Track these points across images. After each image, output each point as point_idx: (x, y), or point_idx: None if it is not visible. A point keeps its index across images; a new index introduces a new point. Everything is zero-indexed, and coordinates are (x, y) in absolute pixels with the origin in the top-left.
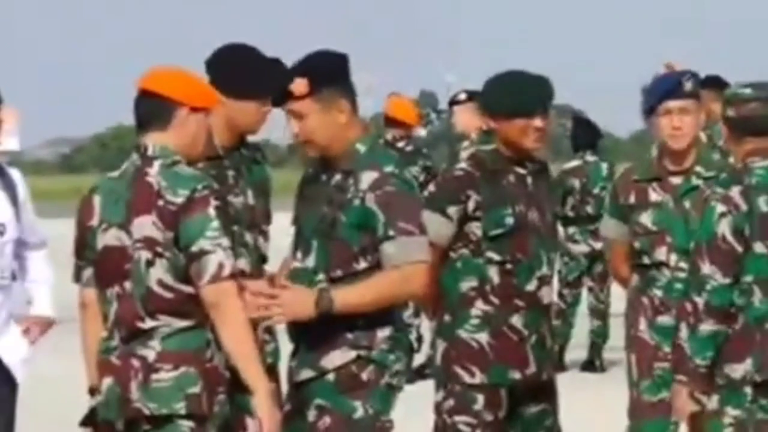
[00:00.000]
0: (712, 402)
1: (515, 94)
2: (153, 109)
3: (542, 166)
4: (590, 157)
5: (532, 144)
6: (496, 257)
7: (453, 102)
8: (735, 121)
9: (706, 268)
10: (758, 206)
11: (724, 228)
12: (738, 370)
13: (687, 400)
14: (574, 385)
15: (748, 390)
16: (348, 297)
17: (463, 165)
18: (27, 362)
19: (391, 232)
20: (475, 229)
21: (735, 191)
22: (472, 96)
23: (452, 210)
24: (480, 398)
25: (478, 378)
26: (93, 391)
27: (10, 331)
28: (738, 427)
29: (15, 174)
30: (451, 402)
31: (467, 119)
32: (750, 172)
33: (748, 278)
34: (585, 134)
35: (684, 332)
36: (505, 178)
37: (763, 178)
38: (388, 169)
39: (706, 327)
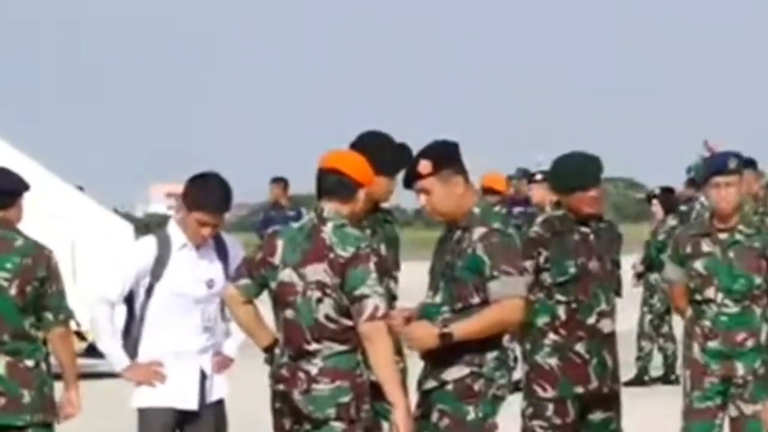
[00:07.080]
0: None
1: (573, 173)
2: (338, 184)
3: (607, 225)
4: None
5: (590, 209)
6: (563, 298)
7: (530, 180)
8: None
9: None
10: None
11: None
12: None
13: None
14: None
15: None
16: (462, 328)
17: (535, 228)
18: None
19: (495, 273)
20: (547, 277)
21: None
22: (546, 176)
23: (527, 264)
24: (550, 407)
25: (550, 393)
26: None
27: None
28: None
29: (227, 238)
30: (530, 410)
31: (542, 194)
32: None
33: None
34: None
35: None
36: (570, 236)
37: None
38: (495, 225)
39: None
